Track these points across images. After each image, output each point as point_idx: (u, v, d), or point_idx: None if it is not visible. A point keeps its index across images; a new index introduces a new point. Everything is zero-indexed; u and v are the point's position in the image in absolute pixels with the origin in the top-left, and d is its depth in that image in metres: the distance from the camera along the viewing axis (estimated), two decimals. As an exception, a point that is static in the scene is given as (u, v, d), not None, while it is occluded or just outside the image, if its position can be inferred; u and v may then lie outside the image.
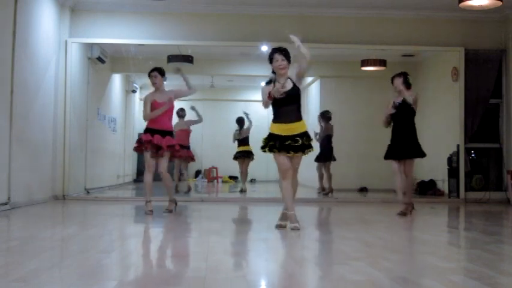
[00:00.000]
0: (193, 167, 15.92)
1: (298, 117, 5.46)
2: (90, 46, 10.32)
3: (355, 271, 3.48)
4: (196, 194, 11.82)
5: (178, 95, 7.05)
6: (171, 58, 11.09)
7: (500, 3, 7.61)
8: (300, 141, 5.38)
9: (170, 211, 6.90)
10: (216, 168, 16.66)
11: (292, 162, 5.47)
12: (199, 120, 10.93)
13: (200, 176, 17.17)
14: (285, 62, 5.44)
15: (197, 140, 13.94)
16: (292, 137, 5.38)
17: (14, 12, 7.31)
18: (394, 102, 7.12)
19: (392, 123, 7.20)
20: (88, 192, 10.07)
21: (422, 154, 7.26)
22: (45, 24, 8.63)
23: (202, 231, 5.64)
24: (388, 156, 7.21)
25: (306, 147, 5.42)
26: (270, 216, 7.48)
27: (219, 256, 4.04)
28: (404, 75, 7.16)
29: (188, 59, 11.21)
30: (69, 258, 3.99)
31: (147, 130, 6.84)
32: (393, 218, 6.94)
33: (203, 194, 12.26)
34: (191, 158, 10.77)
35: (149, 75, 6.96)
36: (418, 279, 3.30)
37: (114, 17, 9.75)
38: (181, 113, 10.79)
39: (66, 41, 9.37)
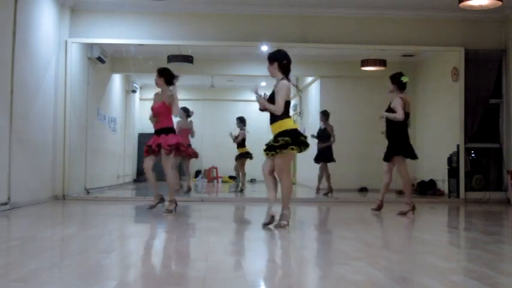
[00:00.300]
0: (193, 167, 15.92)
1: (275, 119, 5.56)
2: (90, 46, 10.32)
3: (355, 271, 3.48)
4: (196, 194, 11.82)
5: (168, 102, 7.03)
6: (171, 58, 11.08)
7: (500, 3, 7.61)
8: (269, 142, 5.56)
9: (170, 211, 6.90)
10: (216, 168, 16.67)
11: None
12: (192, 134, 10.90)
13: (200, 176, 17.17)
14: (268, 65, 5.68)
15: (197, 140, 13.93)
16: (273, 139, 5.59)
17: (14, 12, 7.31)
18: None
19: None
20: (88, 192, 10.07)
21: (398, 152, 7.22)
22: (45, 24, 8.63)
23: (202, 231, 5.63)
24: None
25: (271, 148, 5.50)
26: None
27: (219, 256, 4.04)
28: (398, 76, 7.24)
29: (188, 59, 11.20)
30: (69, 258, 3.99)
31: None
32: (393, 218, 6.94)
33: (203, 194, 12.26)
34: (193, 154, 10.67)
35: None
36: (418, 279, 3.31)
37: (114, 17, 9.75)
38: (185, 112, 10.78)
39: (66, 41, 9.37)
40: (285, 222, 5.46)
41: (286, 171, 5.60)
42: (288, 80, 5.61)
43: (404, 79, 7.19)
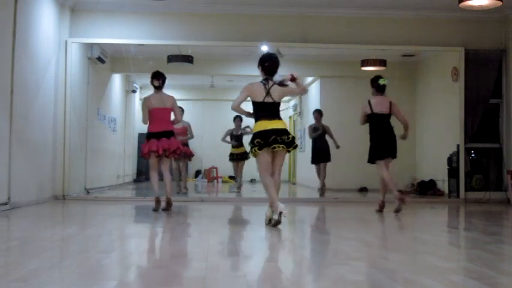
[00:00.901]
0: (193, 167, 15.92)
1: None
2: (90, 46, 10.31)
3: (355, 271, 3.48)
4: (196, 194, 11.82)
5: None
6: (171, 58, 11.09)
7: (500, 3, 7.61)
8: None
9: (165, 209, 7.10)
10: (216, 168, 16.67)
11: None
12: (191, 136, 10.82)
13: (200, 176, 17.18)
14: None
15: (197, 140, 13.93)
16: None
17: (14, 12, 7.31)
18: None
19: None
20: (88, 192, 10.07)
21: (384, 156, 7.46)
22: (45, 24, 8.63)
23: (202, 231, 5.64)
24: None
25: None
26: (270, 216, 7.47)
27: (219, 256, 4.04)
28: (375, 80, 7.50)
29: (188, 59, 11.21)
30: (69, 258, 3.99)
31: None
32: (393, 218, 6.94)
33: (203, 194, 12.26)
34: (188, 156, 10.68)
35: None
36: (418, 279, 3.30)
37: (114, 17, 9.75)
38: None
39: (66, 41, 9.37)
40: (266, 222, 5.61)
41: (260, 171, 5.75)
42: (267, 80, 5.74)
43: (381, 82, 7.44)
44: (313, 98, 14.19)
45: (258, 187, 13.99)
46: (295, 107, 16.30)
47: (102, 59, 10.92)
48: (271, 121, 5.66)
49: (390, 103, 7.41)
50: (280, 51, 10.50)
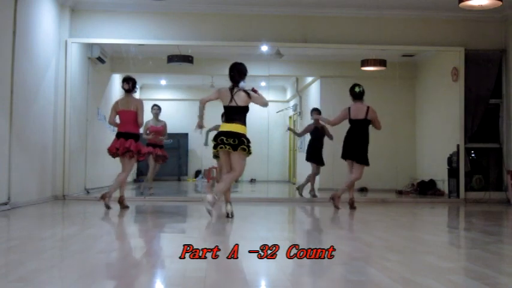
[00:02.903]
0: (193, 166, 15.91)
1: None
2: (90, 46, 10.31)
3: (355, 271, 3.48)
4: (196, 194, 11.81)
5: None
6: (171, 58, 11.10)
7: (500, 3, 7.61)
8: None
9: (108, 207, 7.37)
10: (216, 168, 16.63)
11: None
12: (166, 137, 10.86)
13: (200, 176, 17.17)
14: None
15: (197, 140, 13.93)
16: None
17: (14, 12, 7.31)
18: None
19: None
20: (88, 192, 10.07)
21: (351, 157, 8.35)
22: (45, 24, 8.63)
23: (202, 231, 5.64)
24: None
25: None
26: (270, 216, 7.48)
27: (219, 256, 4.04)
28: (352, 88, 8.18)
29: (188, 59, 11.22)
30: (69, 258, 3.99)
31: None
32: (393, 218, 6.94)
33: (203, 194, 12.24)
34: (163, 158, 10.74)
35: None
36: (418, 279, 3.30)
37: (114, 17, 9.76)
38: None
39: (66, 41, 9.38)
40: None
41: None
42: (234, 87, 6.35)
43: (356, 89, 8.09)
44: (313, 98, 14.18)
45: (257, 187, 13.99)
46: (295, 107, 16.29)
47: (102, 59, 10.92)
48: (229, 124, 6.34)
49: (367, 109, 7.88)
50: (280, 51, 10.49)
